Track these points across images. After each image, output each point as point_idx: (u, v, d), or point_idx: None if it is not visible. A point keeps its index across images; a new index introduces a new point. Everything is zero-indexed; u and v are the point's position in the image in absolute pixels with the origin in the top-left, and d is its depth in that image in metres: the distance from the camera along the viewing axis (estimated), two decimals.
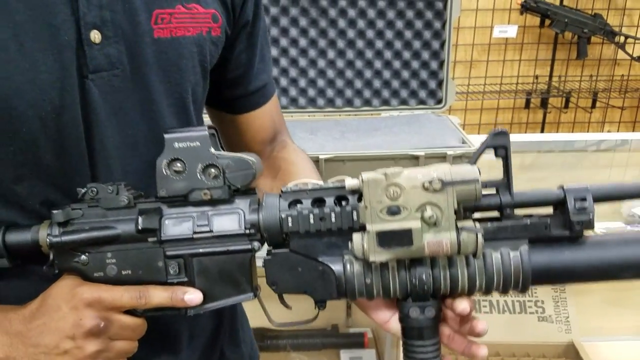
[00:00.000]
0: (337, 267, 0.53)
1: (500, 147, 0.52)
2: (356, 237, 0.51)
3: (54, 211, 0.55)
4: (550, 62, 2.54)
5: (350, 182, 0.53)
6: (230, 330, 0.80)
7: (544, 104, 2.57)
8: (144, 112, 0.61)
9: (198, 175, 0.54)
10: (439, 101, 1.77)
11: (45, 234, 0.55)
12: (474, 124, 2.60)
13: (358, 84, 1.81)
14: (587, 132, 2.58)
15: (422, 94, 1.79)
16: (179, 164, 0.55)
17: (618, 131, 2.59)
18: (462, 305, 0.53)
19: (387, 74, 1.79)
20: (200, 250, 0.54)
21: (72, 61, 0.55)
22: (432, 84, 1.77)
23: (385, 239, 0.50)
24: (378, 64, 1.78)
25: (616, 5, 2.48)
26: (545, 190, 0.53)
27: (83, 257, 0.55)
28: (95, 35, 0.56)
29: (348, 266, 0.53)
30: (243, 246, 0.54)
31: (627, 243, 0.53)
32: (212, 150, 0.55)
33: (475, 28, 2.42)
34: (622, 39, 2.43)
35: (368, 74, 1.79)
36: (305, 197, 0.54)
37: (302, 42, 1.76)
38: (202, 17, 0.63)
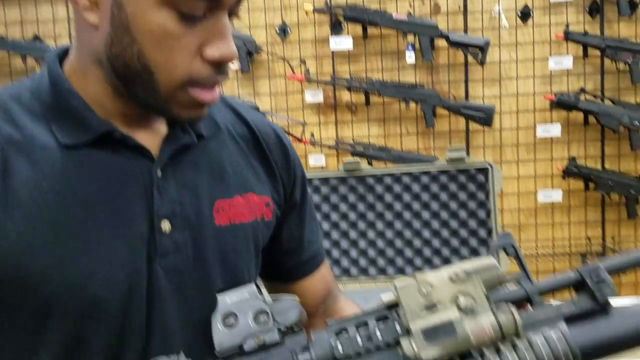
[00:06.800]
0: None
1: (508, 246, 0.58)
2: (404, 341, 0.53)
3: None
4: (601, 224, 2.53)
5: (386, 297, 0.57)
6: None
7: None
8: (202, 289, 0.66)
9: (250, 322, 0.58)
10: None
11: None
12: None
13: (409, 252, 1.85)
14: None
15: None
16: (232, 318, 0.58)
17: None
18: None
19: (436, 243, 1.83)
20: None
21: (143, 247, 0.62)
22: (483, 252, 1.79)
23: (431, 334, 0.53)
24: (427, 234, 1.83)
25: None
26: (562, 276, 0.58)
27: None
28: (166, 225, 0.64)
29: None
30: None
31: None
32: (261, 298, 0.59)
33: (519, 194, 2.49)
34: None
35: (417, 242, 1.84)
36: (350, 325, 0.57)
37: (352, 216, 1.86)
38: (257, 204, 0.72)
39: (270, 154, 0.76)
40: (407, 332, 0.54)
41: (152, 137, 0.66)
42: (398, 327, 0.56)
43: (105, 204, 0.62)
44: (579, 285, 0.58)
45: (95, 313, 0.60)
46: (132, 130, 0.65)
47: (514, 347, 0.55)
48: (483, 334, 0.53)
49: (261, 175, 0.75)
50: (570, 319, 0.57)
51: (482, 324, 0.53)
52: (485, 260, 0.56)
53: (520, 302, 0.58)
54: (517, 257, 0.59)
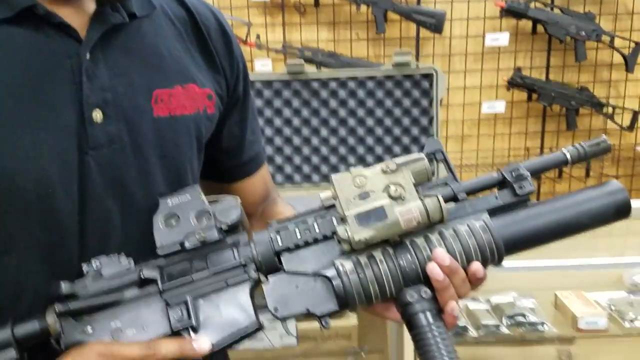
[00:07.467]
0: (330, 272, 0.58)
1: (437, 151, 0.62)
2: (339, 228, 0.57)
3: (62, 283, 0.57)
4: (541, 135, 2.60)
5: (323, 194, 0.61)
6: None
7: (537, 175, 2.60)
8: (141, 183, 0.63)
9: (191, 222, 0.59)
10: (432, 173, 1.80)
11: (53, 315, 0.56)
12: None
13: (352, 159, 1.85)
14: None
15: None
16: (173, 219, 0.59)
17: None
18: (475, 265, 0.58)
19: (379, 150, 1.84)
20: (201, 290, 0.58)
21: (72, 138, 0.58)
22: None
23: (363, 218, 0.56)
24: (370, 141, 1.83)
25: (601, 78, 2.57)
26: (485, 176, 0.63)
27: (88, 327, 0.56)
28: (97, 115, 0.59)
29: (340, 267, 0.58)
30: (240, 277, 0.58)
31: (570, 195, 0.64)
32: (202, 198, 0.60)
33: (464, 105, 2.50)
34: (610, 109, 2.50)
35: (361, 150, 1.84)
36: (290, 223, 0.60)
37: (296, 121, 1.83)
38: (199, 96, 0.68)
39: (211, 42, 0.71)
40: (343, 222, 0.57)
41: (79, 16, 0.60)
42: (335, 222, 0.59)
43: (29, 87, 0.56)
44: (502, 184, 0.62)
45: (23, 207, 0.57)
46: (56, 6, 0.58)
47: (441, 235, 0.59)
48: (411, 217, 0.57)
49: (201, 64, 0.70)
50: (493, 212, 0.61)
51: (410, 208, 0.56)
52: (415, 154, 0.60)
53: (448, 201, 0.61)
54: (445, 160, 0.62)
